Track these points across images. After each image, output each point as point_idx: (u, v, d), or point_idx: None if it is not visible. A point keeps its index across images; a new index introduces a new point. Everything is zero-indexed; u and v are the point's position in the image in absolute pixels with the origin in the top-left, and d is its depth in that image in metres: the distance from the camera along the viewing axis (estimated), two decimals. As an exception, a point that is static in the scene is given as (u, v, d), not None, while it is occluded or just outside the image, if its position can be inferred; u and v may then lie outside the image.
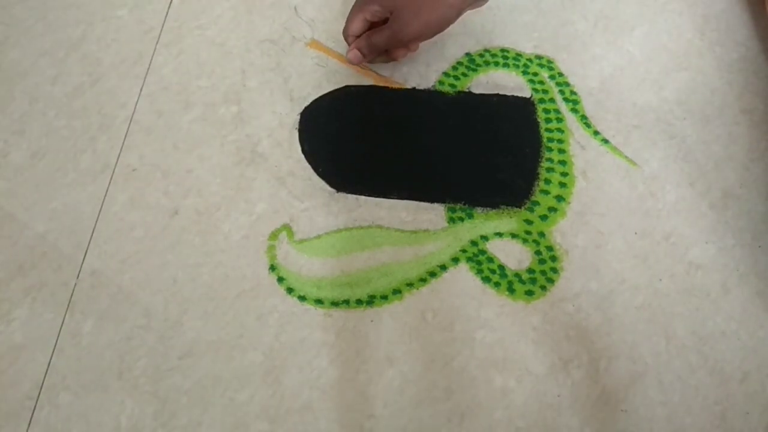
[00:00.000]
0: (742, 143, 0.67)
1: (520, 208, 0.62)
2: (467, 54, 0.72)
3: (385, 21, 0.63)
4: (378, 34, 0.63)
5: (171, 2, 0.75)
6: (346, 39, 0.67)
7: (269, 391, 0.53)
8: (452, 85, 0.69)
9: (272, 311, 0.56)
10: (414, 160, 0.65)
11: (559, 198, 0.63)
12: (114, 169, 0.63)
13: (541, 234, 0.61)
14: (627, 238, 0.61)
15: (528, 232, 0.61)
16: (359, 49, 0.65)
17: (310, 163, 0.64)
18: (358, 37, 0.65)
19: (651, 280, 0.59)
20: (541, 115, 0.68)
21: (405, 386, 0.53)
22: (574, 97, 0.69)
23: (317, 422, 0.52)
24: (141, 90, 0.68)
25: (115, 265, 0.58)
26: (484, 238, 0.60)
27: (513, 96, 0.69)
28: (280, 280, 0.58)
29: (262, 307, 0.56)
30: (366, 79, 0.70)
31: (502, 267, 0.59)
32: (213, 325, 0.55)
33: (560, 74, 0.71)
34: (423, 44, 0.69)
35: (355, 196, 0.62)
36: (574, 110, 0.68)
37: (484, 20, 0.75)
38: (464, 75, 0.70)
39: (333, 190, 0.63)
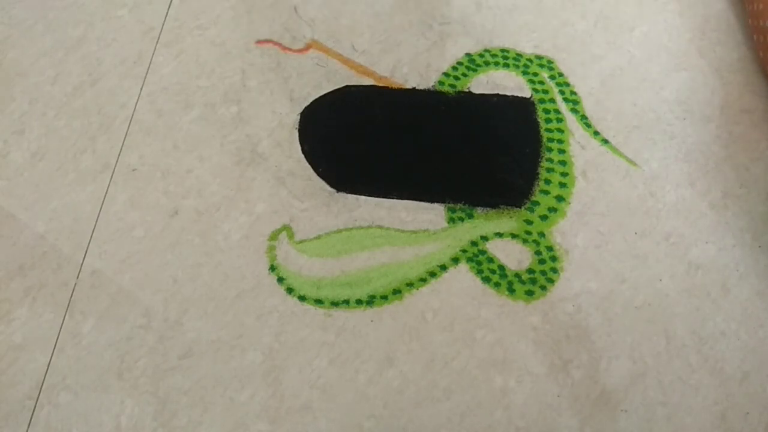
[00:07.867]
0: (742, 143, 0.67)
1: (520, 208, 0.62)
2: (467, 54, 0.72)
3: None
4: None
5: (171, 2, 0.75)
6: None
7: (269, 391, 0.53)
8: (452, 85, 0.69)
9: (272, 311, 0.56)
10: (414, 160, 0.65)
11: (559, 198, 0.63)
12: (114, 169, 0.63)
13: (541, 234, 0.61)
14: (627, 238, 0.61)
15: (528, 232, 0.61)
16: None
17: (310, 163, 0.64)
18: None
19: (651, 280, 0.59)
20: (541, 115, 0.68)
21: (405, 386, 0.53)
22: (574, 97, 0.69)
23: (317, 422, 0.51)
24: (141, 90, 0.68)
25: (115, 265, 0.58)
26: (484, 238, 0.60)
27: (513, 96, 0.69)
28: (280, 280, 0.58)
29: (262, 307, 0.56)
30: (366, 79, 0.70)
31: (502, 267, 0.59)
32: (213, 325, 0.55)
33: (560, 74, 0.71)
34: (423, 44, 0.69)
35: (355, 196, 0.62)
36: (574, 110, 0.68)
37: (484, 20, 0.75)
38: (464, 75, 0.70)
39: (333, 190, 0.63)
